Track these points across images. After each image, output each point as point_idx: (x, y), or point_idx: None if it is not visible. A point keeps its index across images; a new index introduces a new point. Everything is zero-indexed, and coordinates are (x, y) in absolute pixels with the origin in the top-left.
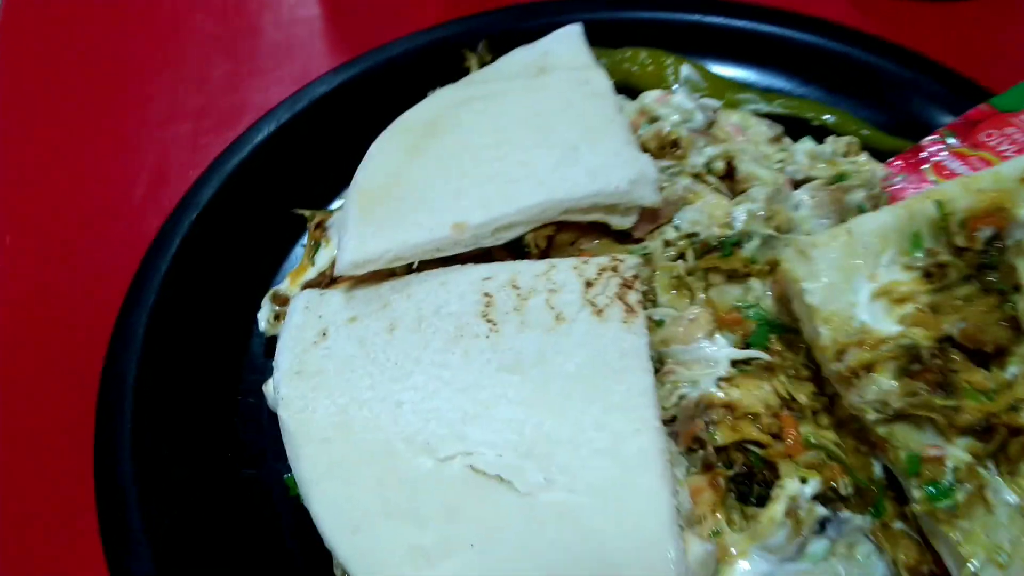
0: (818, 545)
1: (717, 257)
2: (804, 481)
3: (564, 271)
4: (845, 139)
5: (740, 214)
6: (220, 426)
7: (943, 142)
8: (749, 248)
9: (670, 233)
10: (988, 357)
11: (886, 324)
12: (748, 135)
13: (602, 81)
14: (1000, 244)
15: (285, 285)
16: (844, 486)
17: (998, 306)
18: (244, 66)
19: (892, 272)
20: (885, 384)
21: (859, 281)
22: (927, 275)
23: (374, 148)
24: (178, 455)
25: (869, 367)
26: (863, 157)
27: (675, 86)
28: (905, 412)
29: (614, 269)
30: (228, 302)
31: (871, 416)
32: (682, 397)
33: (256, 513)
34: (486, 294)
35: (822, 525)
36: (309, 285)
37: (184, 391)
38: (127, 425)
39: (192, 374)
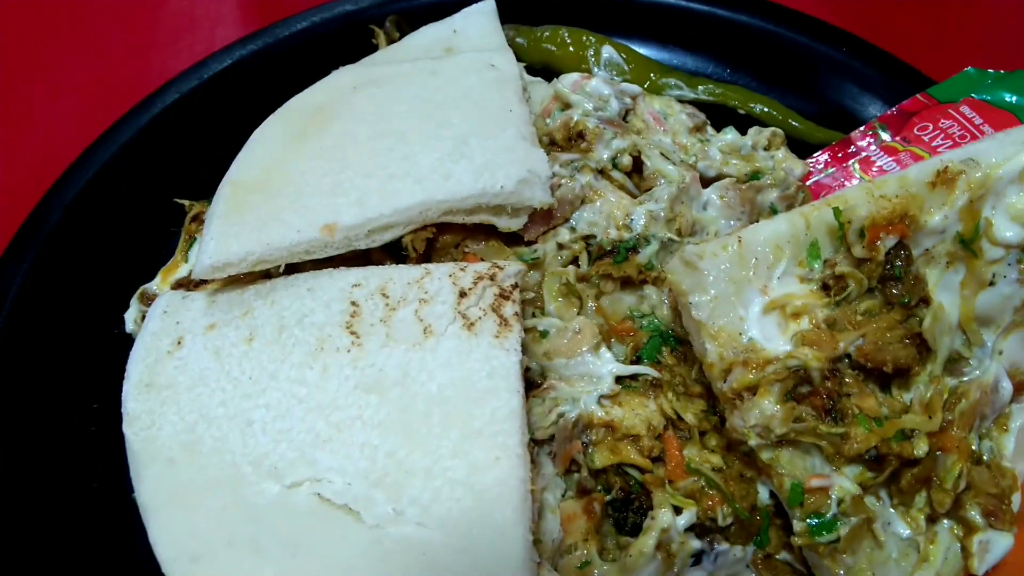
0: None
1: (610, 263)
2: (678, 512)
3: (439, 279)
4: (769, 130)
5: (640, 216)
6: (75, 434)
7: (874, 135)
8: (646, 253)
9: (564, 235)
10: (889, 377)
11: (777, 342)
12: (668, 124)
13: (509, 65)
14: (905, 254)
15: (156, 283)
16: (723, 516)
17: (902, 322)
18: (144, 36)
19: (786, 285)
20: (768, 409)
21: (750, 294)
22: (825, 288)
23: (256, 135)
24: (30, 464)
25: (753, 389)
26: (781, 152)
27: (596, 68)
28: (789, 438)
29: (492, 278)
30: (98, 298)
31: (753, 441)
32: (561, 415)
33: (106, 529)
34: (353, 302)
35: (697, 558)
36: (180, 284)
37: (40, 394)
38: None
39: (50, 377)
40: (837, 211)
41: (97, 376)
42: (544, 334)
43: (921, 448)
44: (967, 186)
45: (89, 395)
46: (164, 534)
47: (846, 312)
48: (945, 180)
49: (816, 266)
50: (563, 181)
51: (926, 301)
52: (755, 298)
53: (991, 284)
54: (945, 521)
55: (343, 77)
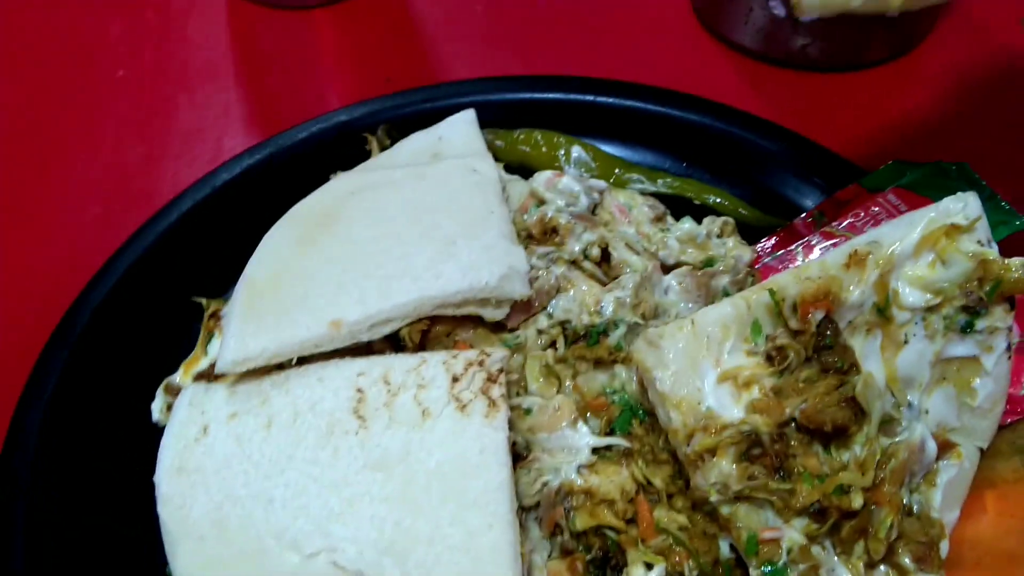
0: None
1: (584, 346)
2: (650, 568)
3: (433, 366)
4: (721, 219)
5: (608, 303)
6: (111, 518)
7: (814, 221)
8: (615, 336)
9: (543, 321)
10: (830, 438)
11: (731, 409)
12: (632, 215)
13: (489, 169)
14: (833, 326)
15: (179, 375)
16: (689, 570)
17: (838, 387)
18: (158, 147)
19: (735, 358)
20: (725, 468)
21: (705, 368)
22: (769, 358)
23: (266, 239)
24: (71, 550)
25: (712, 451)
26: (732, 241)
27: (566, 166)
28: (744, 495)
29: (480, 363)
30: (126, 392)
31: (714, 497)
32: (545, 484)
33: None
34: (359, 389)
35: None
36: (201, 375)
37: (78, 485)
38: (20, 524)
39: (86, 467)
40: (772, 292)
41: (129, 462)
42: (528, 411)
43: (857, 501)
44: (876, 264)
45: (122, 479)
46: None
47: (789, 380)
48: (856, 261)
49: (759, 341)
50: (540, 273)
51: (857, 368)
52: (709, 371)
53: (905, 343)
54: (881, 567)
55: (342, 183)
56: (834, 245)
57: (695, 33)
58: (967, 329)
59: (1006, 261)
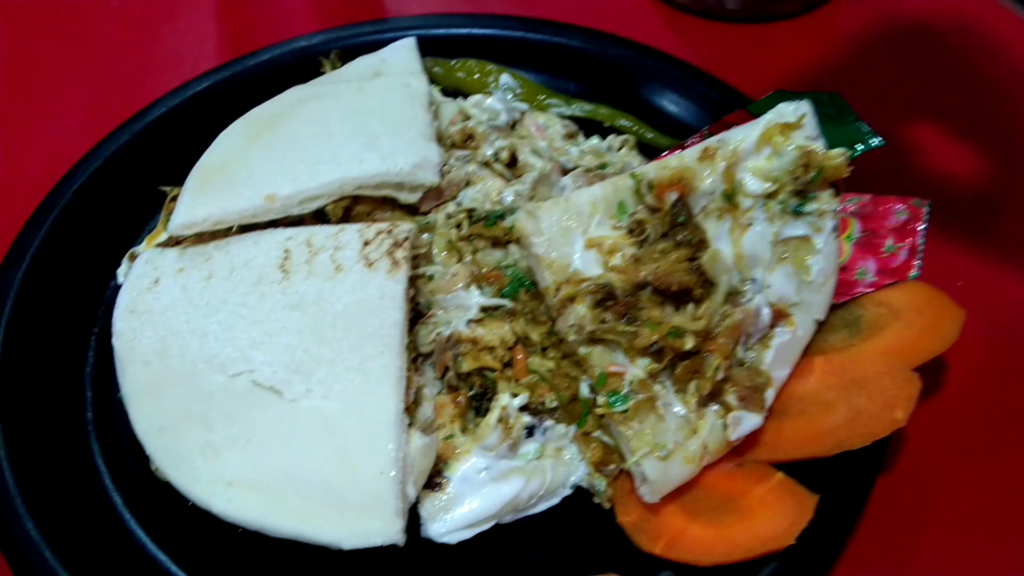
0: (529, 447)
1: (483, 226)
2: (515, 395)
3: (349, 232)
4: (622, 137)
5: (509, 194)
6: (78, 351)
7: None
8: (510, 220)
9: (451, 207)
10: (679, 299)
11: (595, 270)
12: (547, 133)
13: (419, 85)
14: (687, 209)
15: (142, 246)
16: (550, 401)
17: (689, 258)
18: (140, 68)
19: (602, 230)
20: (581, 311)
21: (575, 236)
22: (631, 231)
23: (221, 135)
24: (38, 383)
25: (572, 299)
26: (624, 150)
27: (495, 91)
28: (596, 336)
29: (389, 232)
30: (100, 260)
31: (571, 338)
32: (439, 334)
33: (99, 420)
34: (286, 250)
35: (530, 431)
36: (160, 245)
37: (49, 332)
38: None
39: (59, 317)
40: (634, 175)
41: (97, 313)
42: (431, 277)
43: (688, 343)
44: (723, 157)
45: (91, 325)
46: (140, 414)
47: (648, 251)
48: (708, 155)
49: (623, 219)
50: (453, 168)
51: (706, 243)
52: (578, 239)
53: (750, 225)
54: (713, 405)
55: (294, 93)
56: None
57: None
58: (798, 211)
59: (826, 152)
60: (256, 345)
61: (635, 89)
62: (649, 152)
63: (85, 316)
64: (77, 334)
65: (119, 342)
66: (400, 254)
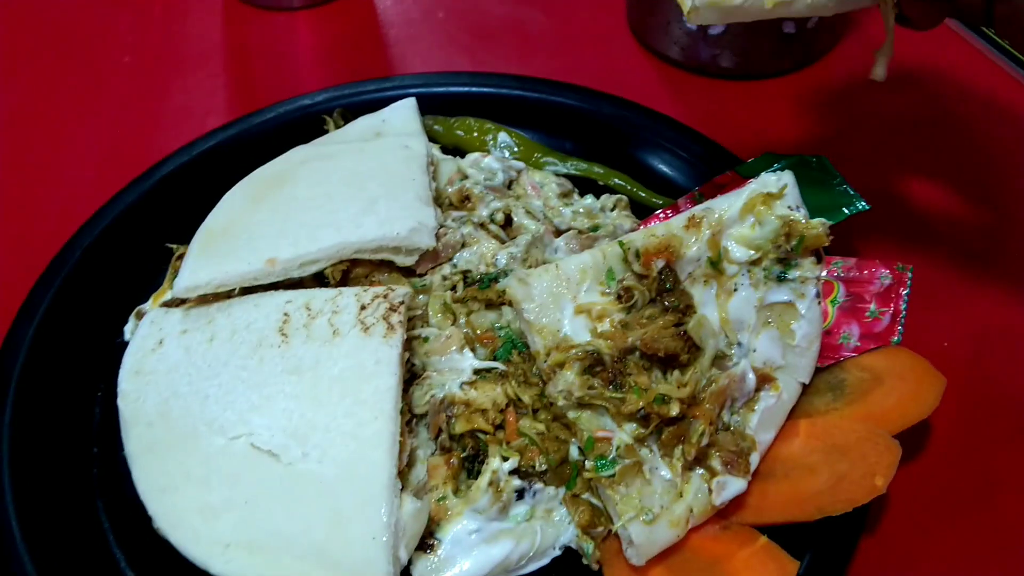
0: (519, 509)
1: (476, 289)
2: (505, 459)
3: (347, 296)
4: (615, 196)
5: (503, 256)
6: (84, 411)
7: (694, 202)
8: (504, 283)
9: (447, 269)
10: (666, 364)
11: (583, 336)
12: (543, 191)
13: (418, 146)
14: (673, 275)
15: (148, 304)
16: (539, 464)
17: (676, 323)
18: (150, 123)
19: (591, 296)
20: (570, 378)
21: (564, 303)
22: (619, 297)
23: (226, 196)
24: (47, 438)
25: (562, 365)
26: (617, 212)
27: (493, 149)
28: (585, 401)
29: (385, 296)
30: (107, 317)
31: (561, 403)
32: (433, 396)
33: (104, 480)
34: (285, 313)
35: (520, 494)
36: (166, 304)
37: (58, 388)
38: (8, 412)
39: (67, 374)
40: (621, 243)
41: (103, 371)
42: (426, 339)
43: (674, 409)
44: (708, 225)
45: (97, 381)
46: (142, 475)
47: (635, 316)
48: (694, 224)
49: (612, 285)
50: (449, 231)
51: (693, 309)
52: (568, 305)
53: (735, 291)
54: (698, 469)
55: (297, 154)
56: None
57: (629, 45)
58: (782, 278)
59: (807, 221)
60: (255, 409)
61: (628, 148)
62: (642, 211)
63: (93, 372)
64: (85, 390)
65: (124, 403)
66: (396, 318)
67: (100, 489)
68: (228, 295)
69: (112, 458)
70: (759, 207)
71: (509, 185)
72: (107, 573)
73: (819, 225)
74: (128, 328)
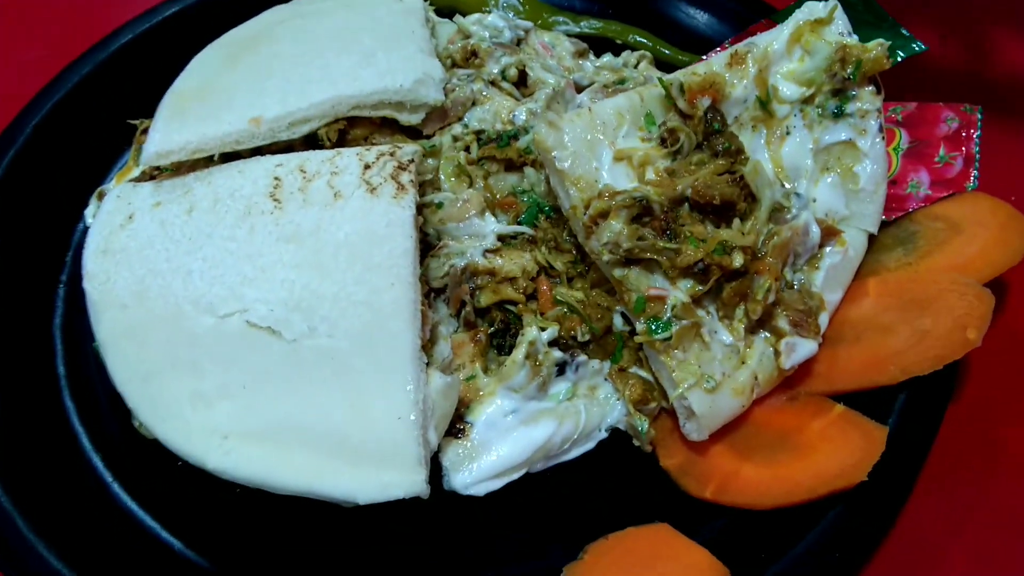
0: (560, 386)
1: (494, 147)
2: (543, 329)
3: (347, 156)
4: (638, 53)
5: (521, 113)
6: (44, 309)
7: None
8: (525, 140)
9: (458, 129)
10: (721, 215)
11: (625, 184)
12: (555, 52)
13: (413, 0)
14: (720, 116)
15: (111, 184)
16: (581, 333)
17: (728, 168)
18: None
19: (630, 142)
20: (616, 227)
21: (601, 149)
22: (663, 142)
23: (193, 60)
24: (3, 337)
25: (606, 214)
26: (643, 65)
27: (495, 8)
28: (634, 254)
29: (392, 154)
30: (65, 201)
31: (606, 258)
32: (452, 266)
33: (71, 372)
34: (276, 178)
35: (560, 368)
36: (133, 182)
37: (14, 279)
38: None
39: (23, 263)
40: (662, 81)
41: (64, 258)
42: (440, 205)
43: (737, 260)
44: (754, 61)
45: (58, 272)
46: (119, 363)
47: (682, 164)
48: (737, 60)
49: (652, 130)
50: (457, 87)
51: (744, 153)
52: (605, 151)
53: (788, 134)
54: (762, 332)
55: (274, 14)
56: None
57: None
58: (839, 113)
59: (864, 44)
60: (248, 282)
61: (647, 2)
62: (666, 70)
63: (51, 262)
64: (43, 282)
65: (91, 285)
66: (405, 177)
67: (69, 388)
68: (206, 164)
69: (80, 353)
70: (807, 36)
71: (517, 44)
72: (84, 481)
73: (877, 46)
74: (89, 211)
